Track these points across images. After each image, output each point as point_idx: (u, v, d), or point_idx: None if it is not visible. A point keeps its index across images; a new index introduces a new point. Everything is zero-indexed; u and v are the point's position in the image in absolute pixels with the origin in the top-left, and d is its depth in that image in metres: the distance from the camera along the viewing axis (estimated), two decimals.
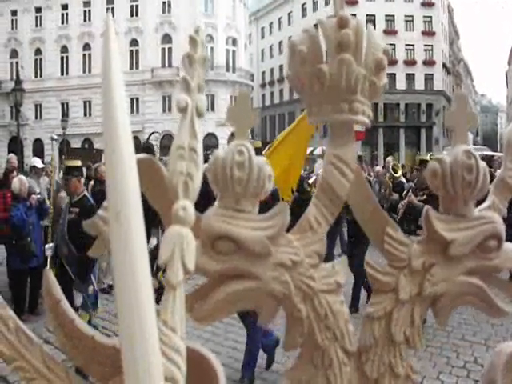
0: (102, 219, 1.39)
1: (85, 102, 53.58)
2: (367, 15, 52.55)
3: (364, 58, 1.53)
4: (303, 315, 1.48)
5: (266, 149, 10.07)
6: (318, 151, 26.15)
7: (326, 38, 1.52)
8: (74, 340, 1.37)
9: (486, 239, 1.55)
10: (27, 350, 1.35)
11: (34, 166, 13.53)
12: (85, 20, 53.93)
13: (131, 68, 52.85)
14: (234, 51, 54.37)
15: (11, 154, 13.17)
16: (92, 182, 12.32)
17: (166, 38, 52.41)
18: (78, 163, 8.07)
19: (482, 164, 1.55)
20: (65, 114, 49.30)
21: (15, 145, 33.64)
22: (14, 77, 30.84)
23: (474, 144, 53.60)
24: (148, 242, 1.17)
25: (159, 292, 1.19)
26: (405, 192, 10.57)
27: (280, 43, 67.02)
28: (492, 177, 1.67)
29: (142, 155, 1.41)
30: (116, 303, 1.10)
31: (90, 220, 1.43)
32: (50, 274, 1.36)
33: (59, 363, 1.38)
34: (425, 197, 9.84)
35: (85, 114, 53.88)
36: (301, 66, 1.54)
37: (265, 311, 1.49)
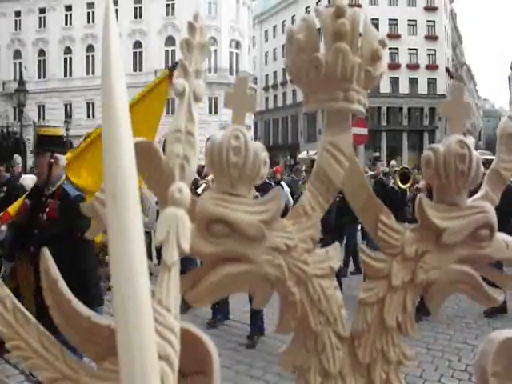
0: (100, 201, 1.41)
1: (88, 104, 53.64)
2: (371, 19, 52.26)
3: (360, 47, 1.55)
4: (297, 299, 1.50)
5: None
6: None
7: (322, 26, 1.54)
8: (70, 320, 1.39)
9: (479, 228, 1.58)
10: (24, 330, 1.37)
11: (32, 168, 13.48)
12: (88, 21, 53.97)
13: (135, 70, 52.90)
14: (237, 54, 54.41)
15: (16, 155, 13.14)
16: None
17: (170, 41, 52.43)
18: None
19: (475, 154, 1.57)
20: (68, 115, 49.33)
21: (18, 146, 33.64)
22: (18, 78, 30.89)
23: (477, 148, 53.54)
24: None
25: None
26: None
27: (283, 46, 66.78)
28: None
29: (140, 138, 1.44)
30: (112, 283, 1.11)
31: (87, 202, 1.45)
32: (47, 254, 1.38)
33: (56, 343, 1.39)
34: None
35: (88, 116, 53.91)
36: (298, 54, 1.56)
37: (259, 295, 1.51)
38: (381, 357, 1.58)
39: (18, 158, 12.30)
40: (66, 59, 55.60)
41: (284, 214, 1.52)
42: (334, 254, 1.55)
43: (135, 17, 53.48)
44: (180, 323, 1.21)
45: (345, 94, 1.54)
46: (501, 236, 1.62)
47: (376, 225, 1.59)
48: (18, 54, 56.22)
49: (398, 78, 60.75)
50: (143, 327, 1.10)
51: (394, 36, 60.34)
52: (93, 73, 53.01)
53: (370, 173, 14.41)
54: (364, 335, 1.57)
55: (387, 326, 1.57)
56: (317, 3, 61.88)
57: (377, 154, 20.00)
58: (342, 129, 1.59)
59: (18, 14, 55.98)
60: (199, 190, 9.77)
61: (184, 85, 1.32)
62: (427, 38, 62.01)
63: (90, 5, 53.43)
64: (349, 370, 1.57)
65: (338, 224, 8.92)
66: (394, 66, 60.43)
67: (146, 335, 1.11)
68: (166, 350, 1.15)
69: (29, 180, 9.76)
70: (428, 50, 62.18)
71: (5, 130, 43.88)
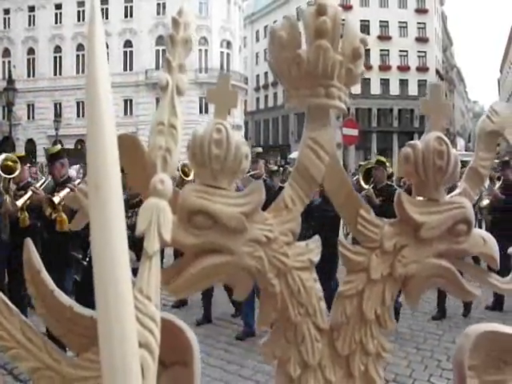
0: (83, 193, 1.43)
1: (78, 103, 53.13)
2: (361, 21, 52.68)
3: (341, 45, 1.58)
4: (277, 291, 1.52)
5: None
6: None
7: (304, 24, 1.57)
8: (53, 311, 1.41)
9: (456, 223, 1.61)
10: (6, 320, 1.39)
11: None
12: (79, 20, 53.49)
13: (125, 69, 52.64)
14: (228, 54, 54.25)
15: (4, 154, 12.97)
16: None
17: (161, 40, 52.03)
18: None
19: (453, 151, 1.61)
20: (58, 115, 48.90)
21: (7, 144, 33.36)
22: (7, 76, 30.66)
23: (466, 150, 53.71)
24: None
25: None
26: None
27: None
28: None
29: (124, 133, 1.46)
30: (93, 272, 1.13)
31: (71, 194, 1.47)
32: (30, 245, 1.40)
33: (37, 334, 1.41)
34: None
35: (78, 115, 53.42)
36: (280, 51, 1.59)
37: (239, 286, 1.53)
38: (360, 349, 1.61)
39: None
40: (55, 58, 55.09)
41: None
42: (314, 247, 1.57)
43: (126, 16, 53.13)
44: (161, 313, 1.24)
45: (326, 91, 1.57)
46: (478, 231, 1.66)
47: (356, 219, 1.62)
48: (6, 53, 55.59)
49: (388, 79, 60.88)
50: (124, 317, 1.13)
51: (384, 38, 60.54)
52: (83, 72, 52.26)
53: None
54: (343, 327, 1.60)
55: (366, 319, 1.60)
56: (308, 4, 61.70)
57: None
58: (323, 125, 1.61)
59: (6, 11, 55.35)
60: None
61: (167, 79, 1.34)
62: (418, 39, 62.11)
63: (81, 3, 52.92)
64: (328, 362, 1.60)
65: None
66: (384, 67, 60.55)
67: (127, 324, 1.13)
68: (147, 338, 1.18)
69: None
70: (418, 51, 62.26)
71: None
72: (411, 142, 1.62)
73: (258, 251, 1.49)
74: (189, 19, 1.43)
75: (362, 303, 1.60)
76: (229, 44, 54.51)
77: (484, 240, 1.65)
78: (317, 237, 1.60)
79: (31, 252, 1.40)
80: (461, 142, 73.74)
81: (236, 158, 1.47)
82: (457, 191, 1.70)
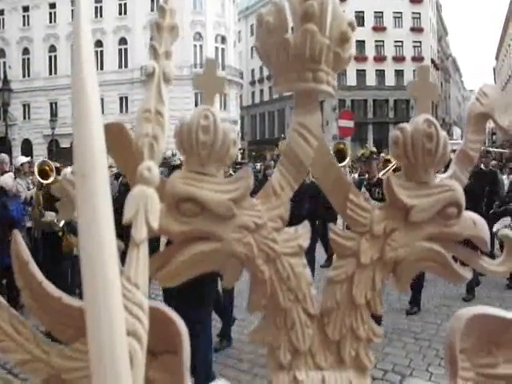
0: (70, 183, 1.42)
1: None
2: (356, 12, 52.61)
3: (328, 29, 1.56)
4: (266, 277, 1.52)
5: None
6: None
7: (291, 9, 1.56)
8: (41, 302, 1.40)
9: (446, 206, 1.60)
10: None
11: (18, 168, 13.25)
12: (73, 19, 53.32)
13: (120, 67, 52.61)
14: (222, 49, 54.08)
15: (3, 154, 12.94)
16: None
17: None
18: None
19: (443, 133, 1.60)
20: (53, 114, 48.81)
21: (3, 145, 33.28)
22: (2, 77, 30.58)
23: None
24: None
25: None
26: None
27: None
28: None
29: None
30: (80, 260, 1.13)
31: (58, 183, 1.46)
32: (18, 236, 1.39)
33: (27, 326, 1.40)
34: None
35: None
36: (267, 36, 1.58)
37: (228, 273, 1.52)
38: (350, 334, 1.60)
39: (6, 157, 12.16)
40: (50, 57, 54.95)
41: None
42: (303, 232, 1.57)
43: (120, 13, 53.05)
44: (149, 302, 1.23)
45: (313, 75, 1.56)
46: (468, 214, 1.64)
47: (345, 204, 1.61)
48: (1, 53, 55.38)
49: (383, 70, 60.99)
50: (112, 305, 1.12)
51: (379, 28, 60.61)
52: None
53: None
54: (333, 312, 1.59)
55: (356, 303, 1.59)
56: None
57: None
58: (311, 109, 1.60)
59: (1, 12, 55.23)
60: None
61: (154, 66, 1.34)
62: (413, 30, 62.17)
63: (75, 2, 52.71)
64: (318, 348, 1.59)
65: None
66: (379, 58, 60.66)
67: (115, 313, 1.12)
68: (135, 325, 1.17)
69: (8, 179, 9.71)
70: (413, 42, 62.34)
71: None
72: (400, 124, 1.61)
73: (247, 237, 1.48)
74: (174, 6, 1.42)
75: (351, 288, 1.59)
76: (223, 39, 54.39)
77: (474, 222, 1.64)
78: (306, 222, 1.59)
79: (19, 243, 1.39)
80: (457, 131, 73.73)
81: (224, 145, 1.46)
82: (447, 174, 1.69)
